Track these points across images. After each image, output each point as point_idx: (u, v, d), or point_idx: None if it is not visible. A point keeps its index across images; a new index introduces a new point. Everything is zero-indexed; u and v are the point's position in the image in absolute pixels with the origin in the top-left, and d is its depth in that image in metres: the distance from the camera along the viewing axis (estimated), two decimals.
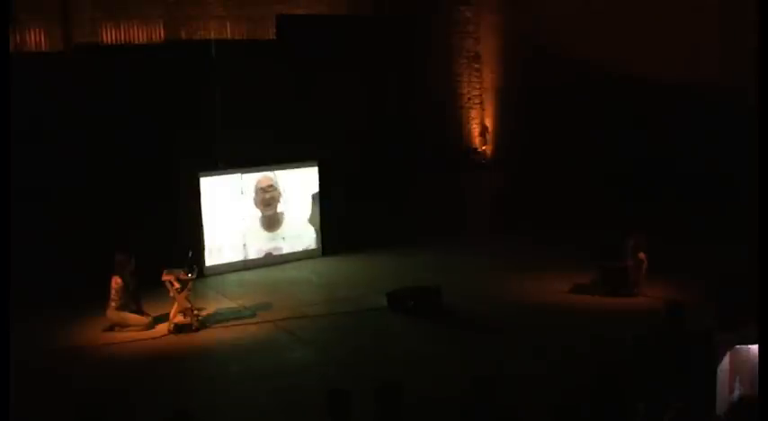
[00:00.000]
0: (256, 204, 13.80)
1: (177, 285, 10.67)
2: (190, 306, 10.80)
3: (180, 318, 10.71)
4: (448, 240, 15.03)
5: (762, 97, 7.07)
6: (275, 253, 14.05)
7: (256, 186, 13.78)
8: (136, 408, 8.31)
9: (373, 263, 13.99)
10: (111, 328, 10.74)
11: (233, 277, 13.31)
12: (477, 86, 17.06)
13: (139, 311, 10.94)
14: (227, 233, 13.52)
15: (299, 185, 14.32)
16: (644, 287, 11.57)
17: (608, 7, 14.57)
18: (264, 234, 13.93)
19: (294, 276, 13.44)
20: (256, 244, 13.85)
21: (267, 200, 13.89)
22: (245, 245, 13.75)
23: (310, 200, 14.44)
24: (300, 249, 14.36)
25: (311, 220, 14.46)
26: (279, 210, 14.07)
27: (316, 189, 14.42)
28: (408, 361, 9.43)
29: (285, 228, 14.19)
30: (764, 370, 5.79)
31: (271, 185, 13.94)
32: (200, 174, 13.16)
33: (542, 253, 13.87)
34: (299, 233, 14.37)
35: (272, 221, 14.00)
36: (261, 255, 13.90)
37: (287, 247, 14.22)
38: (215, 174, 13.34)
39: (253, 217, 13.78)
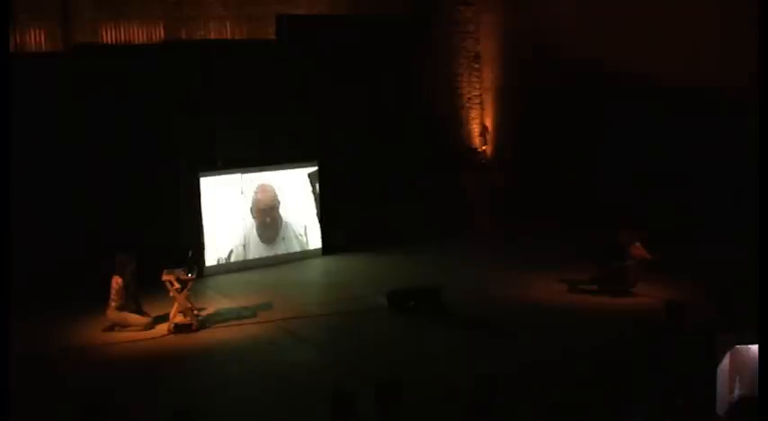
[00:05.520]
0: (256, 222, 13.77)
1: (177, 285, 10.68)
2: (190, 306, 10.80)
3: (180, 318, 10.71)
4: (448, 240, 15.04)
5: (762, 97, 7.08)
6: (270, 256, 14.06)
7: (257, 205, 13.74)
8: (136, 408, 8.31)
9: (373, 262, 13.99)
10: (111, 328, 10.73)
11: (233, 277, 13.31)
12: (477, 86, 17.06)
13: (139, 311, 10.93)
14: (227, 233, 13.52)
15: (300, 185, 14.32)
16: (643, 281, 11.55)
17: (608, 7, 14.56)
18: (262, 245, 13.95)
19: (294, 276, 13.44)
20: (255, 251, 13.87)
21: (268, 223, 13.91)
22: (244, 245, 13.76)
23: (311, 200, 14.44)
24: (301, 249, 14.37)
25: (311, 220, 14.46)
26: (278, 224, 14.06)
27: (316, 189, 14.42)
28: (408, 361, 9.42)
29: (288, 227, 14.19)
30: (764, 370, 5.79)
31: (273, 207, 13.93)
32: (200, 174, 13.16)
33: (542, 252, 13.87)
34: (300, 233, 14.37)
35: (270, 237, 14.02)
36: (258, 263, 13.87)
37: (287, 248, 14.24)
38: (215, 174, 13.34)
39: (251, 226, 13.78)
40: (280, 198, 14.02)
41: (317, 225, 14.50)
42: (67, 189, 12.33)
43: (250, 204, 13.68)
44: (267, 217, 13.90)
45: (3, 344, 6.48)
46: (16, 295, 7.63)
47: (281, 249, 14.15)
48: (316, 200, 14.44)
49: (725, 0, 13.25)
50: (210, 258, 13.38)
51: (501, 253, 14.31)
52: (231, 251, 13.59)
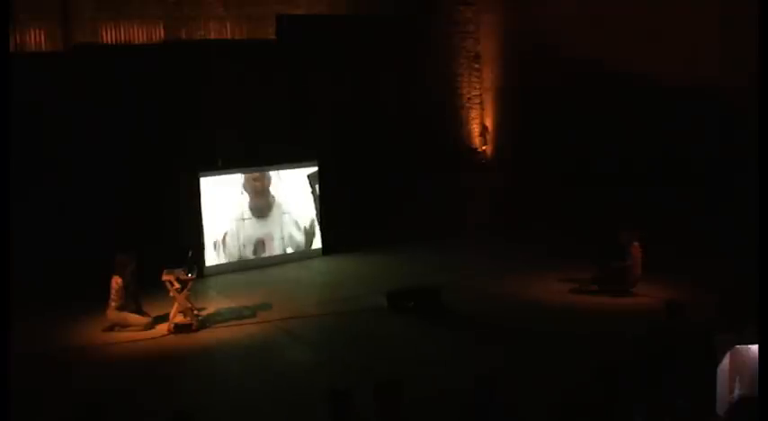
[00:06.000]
0: (247, 193, 13.74)
1: (177, 285, 10.68)
2: (190, 306, 10.81)
3: (180, 318, 10.72)
4: (448, 240, 15.04)
5: (762, 97, 7.07)
6: (267, 240, 14.02)
7: (247, 178, 13.76)
8: (136, 408, 8.31)
9: (374, 262, 14.00)
10: (111, 328, 10.74)
11: (233, 277, 13.31)
12: (477, 86, 17.06)
13: (139, 311, 10.94)
14: (226, 233, 13.52)
15: (299, 185, 14.33)
16: (643, 281, 11.55)
17: (608, 7, 14.56)
18: (255, 221, 13.90)
19: (294, 276, 13.44)
20: (248, 232, 13.81)
21: (259, 190, 13.86)
22: (244, 245, 13.76)
23: (311, 199, 14.44)
24: (301, 249, 14.37)
25: (312, 220, 14.47)
26: (269, 197, 14.03)
27: (316, 190, 14.42)
28: (408, 360, 9.42)
29: (285, 228, 14.20)
30: (764, 370, 5.78)
31: (262, 177, 13.90)
32: (200, 174, 13.17)
33: (542, 252, 13.88)
34: (300, 233, 14.38)
35: (262, 209, 13.96)
36: (252, 243, 13.86)
37: (287, 247, 14.24)
38: (215, 174, 13.34)
39: (243, 205, 13.74)
40: (274, 192, 14.03)
41: (317, 225, 14.51)
42: (67, 189, 12.33)
43: (242, 183, 13.67)
44: (258, 183, 13.84)
45: (3, 344, 6.48)
46: (16, 295, 7.63)
47: (280, 249, 14.16)
48: (315, 200, 14.45)
49: (725, 0, 13.25)
50: (210, 258, 13.39)
51: (501, 253, 14.31)
52: (226, 233, 13.54)
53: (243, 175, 13.66)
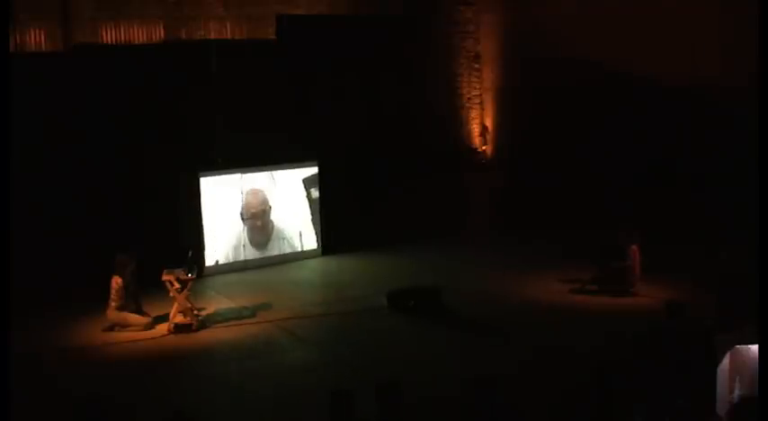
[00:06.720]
0: (246, 225, 13.72)
1: (177, 285, 10.68)
2: (190, 306, 10.81)
3: (180, 318, 10.72)
4: (448, 240, 15.04)
5: (762, 97, 7.07)
6: (266, 241, 14.01)
7: (246, 208, 13.68)
8: (136, 408, 8.30)
9: (373, 263, 13.99)
10: (111, 328, 10.74)
11: (233, 277, 13.31)
12: (477, 86, 17.06)
13: (139, 311, 10.94)
14: (226, 233, 13.52)
15: (299, 185, 14.32)
16: (640, 281, 11.56)
17: (608, 7, 14.57)
18: (254, 250, 13.90)
19: (294, 276, 13.45)
20: (251, 252, 13.85)
21: (258, 226, 13.87)
22: (244, 245, 13.76)
23: (306, 203, 14.42)
24: (300, 249, 14.37)
25: (311, 220, 14.46)
26: (269, 229, 14.03)
27: (311, 193, 14.41)
28: (408, 361, 9.42)
29: (285, 228, 14.19)
30: (764, 370, 5.78)
31: (264, 211, 13.89)
32: (200, 174, 13.17)
33: (542, 253, 13.88)
34: (299, 233, 14.37)
35: (261, 241, 13.96)
36: (252, 243, 13.82)
37: (286, 248, 14.23)
38: (215, 174, 13.34)
39: (244, 230, 13.75)
40: (271, 202, 13.98)
41: (312, 228, 14.47)
42: (67, 189, 12.32)
43: (240, 208, 13.65)
44: (258, 221, 13.86)
45: (3, 344, 6.48)
46: (16, 295, 7.63)
47: (279, 250, 14.14)
48: (311, 204, 14.41)
49: (725, 0, 13.25)
50: (210, 258, 13.39)
51: (501, 253, 14.30)
52: (230, 251, 13.54)
53: (243, 206, 13.59)
